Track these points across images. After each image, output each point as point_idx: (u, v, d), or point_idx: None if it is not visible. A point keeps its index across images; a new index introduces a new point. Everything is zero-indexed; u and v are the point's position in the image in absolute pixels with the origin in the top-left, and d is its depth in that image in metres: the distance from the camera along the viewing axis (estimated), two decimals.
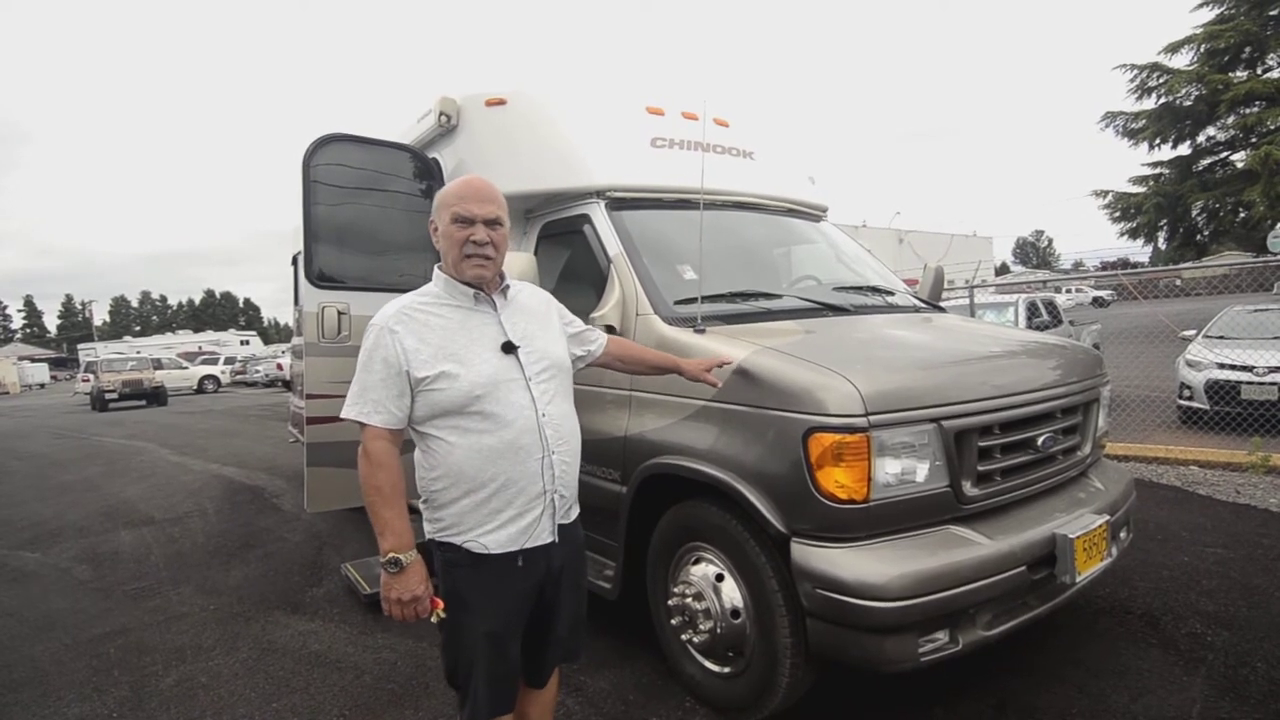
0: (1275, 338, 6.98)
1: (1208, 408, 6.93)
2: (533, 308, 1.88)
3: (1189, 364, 7.30)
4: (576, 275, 3.23)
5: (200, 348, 39.02)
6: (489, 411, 1.65)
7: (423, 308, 1.71)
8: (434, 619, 1.65)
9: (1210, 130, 18.80)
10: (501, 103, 3.56)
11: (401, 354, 1.63)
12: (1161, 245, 21.58)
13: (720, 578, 2.44)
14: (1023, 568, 2.18)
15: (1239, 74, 17.59)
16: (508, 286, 1.83)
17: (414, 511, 1.69)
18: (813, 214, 4.09)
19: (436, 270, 1.79)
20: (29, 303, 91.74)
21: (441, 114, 3.76)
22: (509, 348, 1.72)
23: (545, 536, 1.73)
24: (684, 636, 2.57)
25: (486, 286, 1.76)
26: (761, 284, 3.25)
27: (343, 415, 1.67)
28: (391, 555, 1.59)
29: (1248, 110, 17.17)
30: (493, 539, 1.67)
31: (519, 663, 1.76)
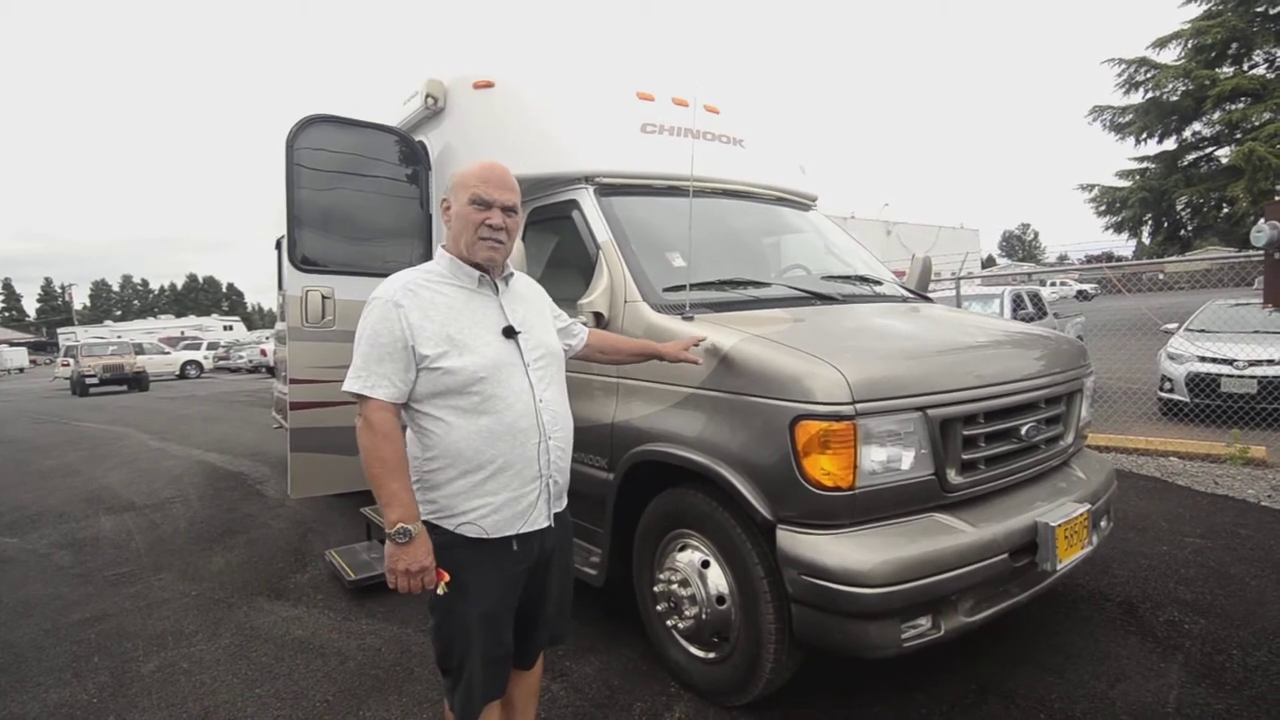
0: (1256, 331, 7.08)
1: (1188, 400, 7.03)
2: (528, 296, 1.91)
3: (1170, 357, 7.39)
4: (564, 262, 3.21)
5: (183, 333, 38.48)
6: (490, 394, 1.66)
7: (427, 284, 1.71)
8: (440, 590, 1.64)
9: (1196, 125, 18.91)
10: (490, 85, 3.50)
11: (407, 329, 1.63)
12: (1146, 240, 21.76)
13: (706, 564, 2.45)
14: (1005, 555, 2.21)
15: (1225, 70, 17.71)
16: (511, 274, 1.85)
17: None
18: (802, 203, 4.08)
19: (440, 250, 1.80)
20: (7, 286, 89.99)
21: (428, 96, 3.70)
22: (510, 332, 1.74)
23: (542, 521, 1.76)
24: (669, 622, 2.58)
25: (492, 271, 1.77)
26: (750, 272, 3.25)
27: (345, 388, 1.65)
28: (400, 526, 1.57)
29: (1233, 106, 17.29)
30: (489, 522, 1.67)
31: (512, 646, 1.78)
